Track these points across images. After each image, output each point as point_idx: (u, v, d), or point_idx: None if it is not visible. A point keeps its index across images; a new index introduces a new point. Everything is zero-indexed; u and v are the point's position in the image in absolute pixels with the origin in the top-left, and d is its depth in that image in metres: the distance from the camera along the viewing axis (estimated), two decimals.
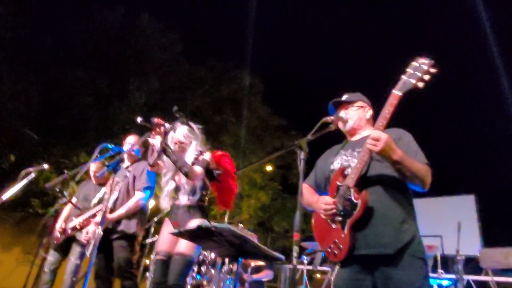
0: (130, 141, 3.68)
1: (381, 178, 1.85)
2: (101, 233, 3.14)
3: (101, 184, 4.09)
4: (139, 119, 2.59)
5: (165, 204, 2.95)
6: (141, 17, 11.00)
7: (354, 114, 2.12)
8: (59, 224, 4.08)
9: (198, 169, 2.79)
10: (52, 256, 3.94)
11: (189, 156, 2.90)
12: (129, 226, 3.31)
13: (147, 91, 9.79)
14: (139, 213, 3.40)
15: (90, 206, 3.87)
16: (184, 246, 2.68)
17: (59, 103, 9.42)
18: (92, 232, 3.27)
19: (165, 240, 2.84)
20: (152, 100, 9.97)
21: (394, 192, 1.83)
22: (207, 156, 2.93)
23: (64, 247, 3.96)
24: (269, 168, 13.22)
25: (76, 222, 3.86)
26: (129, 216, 3.33)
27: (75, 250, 3.91)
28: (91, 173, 4.23)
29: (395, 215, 1.78)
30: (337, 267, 1.85)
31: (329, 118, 1.95)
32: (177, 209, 2.87)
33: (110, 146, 2.91)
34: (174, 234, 2.39)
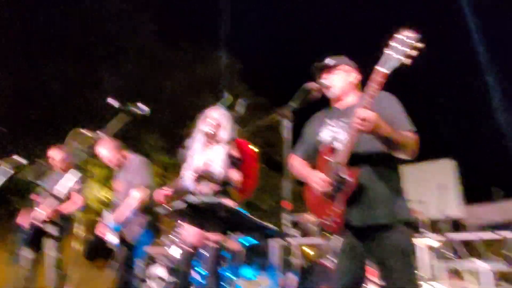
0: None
1: (370, 153, 1.87)
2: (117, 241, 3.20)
3: (65, 170, 3.94)
4: (109, 100, 2.49)
5: (191, 186, 2.90)
6: None
7: (337, 80, 2.04)
8: (25, 219, 3.91)
9: (236, 175, 2.85)
10: (25, 252, 3.80)
11: (222, 136, 2.91)
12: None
13: (120, 76, 9.47)
14: None
15: (58, 195, 3.74)
16: (213, 234, 2.70)
17: (28, 95, 9.03)
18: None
19: (190, 231, 2.84)
20: (126, 85, 9.67)
21: (382, 165, 1.87)
22: (235, 151, 2.93)
23: (35, 241, 3.81)
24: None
25: (43, 213, 3.73)
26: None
27: (50, 243, 3.79)
28: (52, 162, 4.07)
29: (386, 189, 1.84)
30: (338, 237, 1.92)
31: (310, 85, 1.88)
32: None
33: (83, 131, 2.77)
34: (162, 214, 2.34)
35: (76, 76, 9.49)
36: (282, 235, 1.85)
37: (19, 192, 8.71)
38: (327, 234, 4.09)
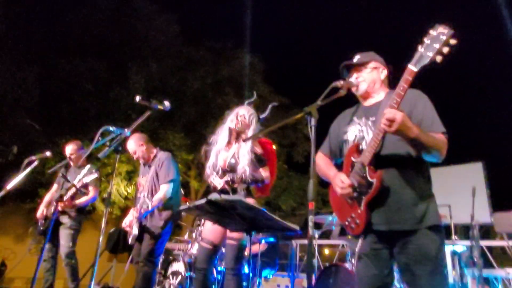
0: None
1: (396, 155, 1.81)
2: (136, 232, 3.26)
3: (80, 166, 4.04)
4: (137, 98, 2.50)
5: (218, 181, 2.91)
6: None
7: (367, 77, 1.99)
8: (40, 211, 4.08)
9: (266, 172, 2.92)
10: (47, 243, 3.88)
11: (249, 134, 2.97)
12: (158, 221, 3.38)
13: (146, 75, 9.65)
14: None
15: (75, 187, 3.81)
16: (233, 232, 2.71)
17: (59, 92, 9.35)
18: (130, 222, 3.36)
19: (210, 229, 2.85)
20: (152, 84, 9.85)
21: (409, 168, 1.80)
22: (259, 149, 2.99)
23: (54, 232, 3.88)
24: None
25: (58, 205, 3.78)
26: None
27: (64, 233, 3.90)
28: (68, 157, 4.16)
29: (412, 193, 1.77)
30: (360, 240, 1.86)
31: (339, 83, 1.84)
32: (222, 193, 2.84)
33: (111, 128, 2.83)
34: (182, 210, 2.36)
35: (106, 74, 9.75)
36: (302, 235, 1.82)
37: (46, 186, 9.06)
38: (349, 236, 4.03)
